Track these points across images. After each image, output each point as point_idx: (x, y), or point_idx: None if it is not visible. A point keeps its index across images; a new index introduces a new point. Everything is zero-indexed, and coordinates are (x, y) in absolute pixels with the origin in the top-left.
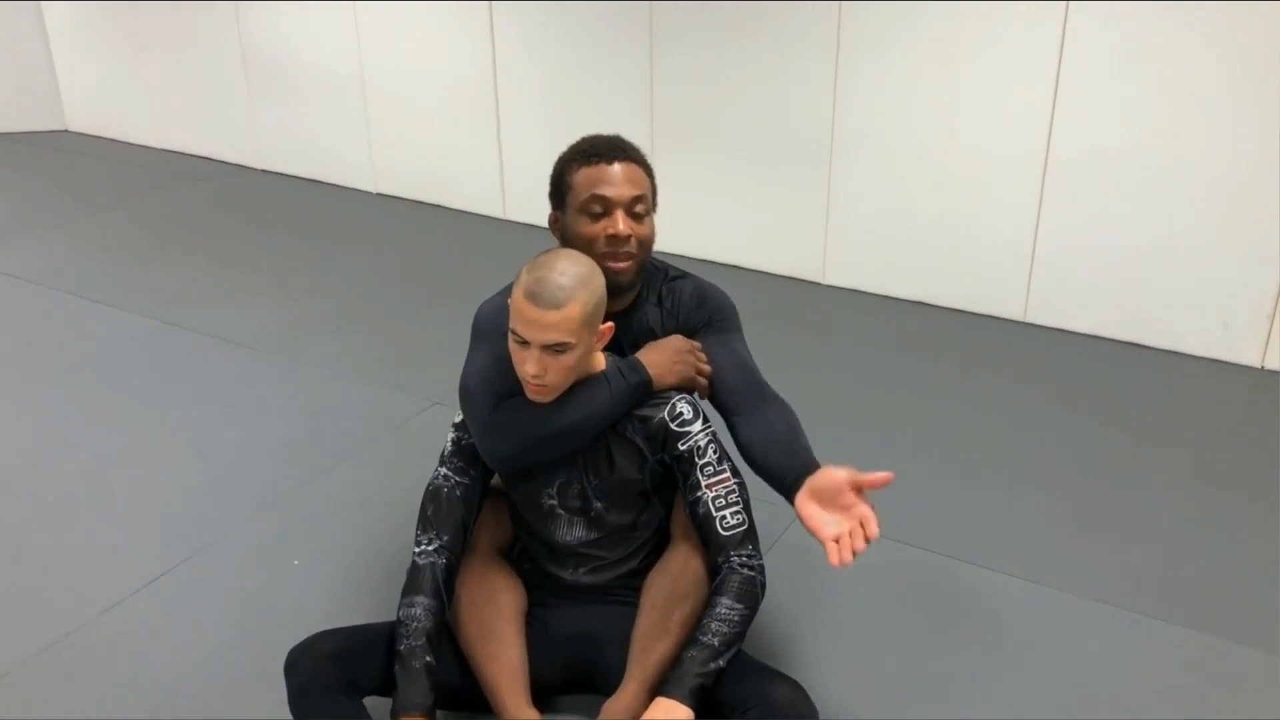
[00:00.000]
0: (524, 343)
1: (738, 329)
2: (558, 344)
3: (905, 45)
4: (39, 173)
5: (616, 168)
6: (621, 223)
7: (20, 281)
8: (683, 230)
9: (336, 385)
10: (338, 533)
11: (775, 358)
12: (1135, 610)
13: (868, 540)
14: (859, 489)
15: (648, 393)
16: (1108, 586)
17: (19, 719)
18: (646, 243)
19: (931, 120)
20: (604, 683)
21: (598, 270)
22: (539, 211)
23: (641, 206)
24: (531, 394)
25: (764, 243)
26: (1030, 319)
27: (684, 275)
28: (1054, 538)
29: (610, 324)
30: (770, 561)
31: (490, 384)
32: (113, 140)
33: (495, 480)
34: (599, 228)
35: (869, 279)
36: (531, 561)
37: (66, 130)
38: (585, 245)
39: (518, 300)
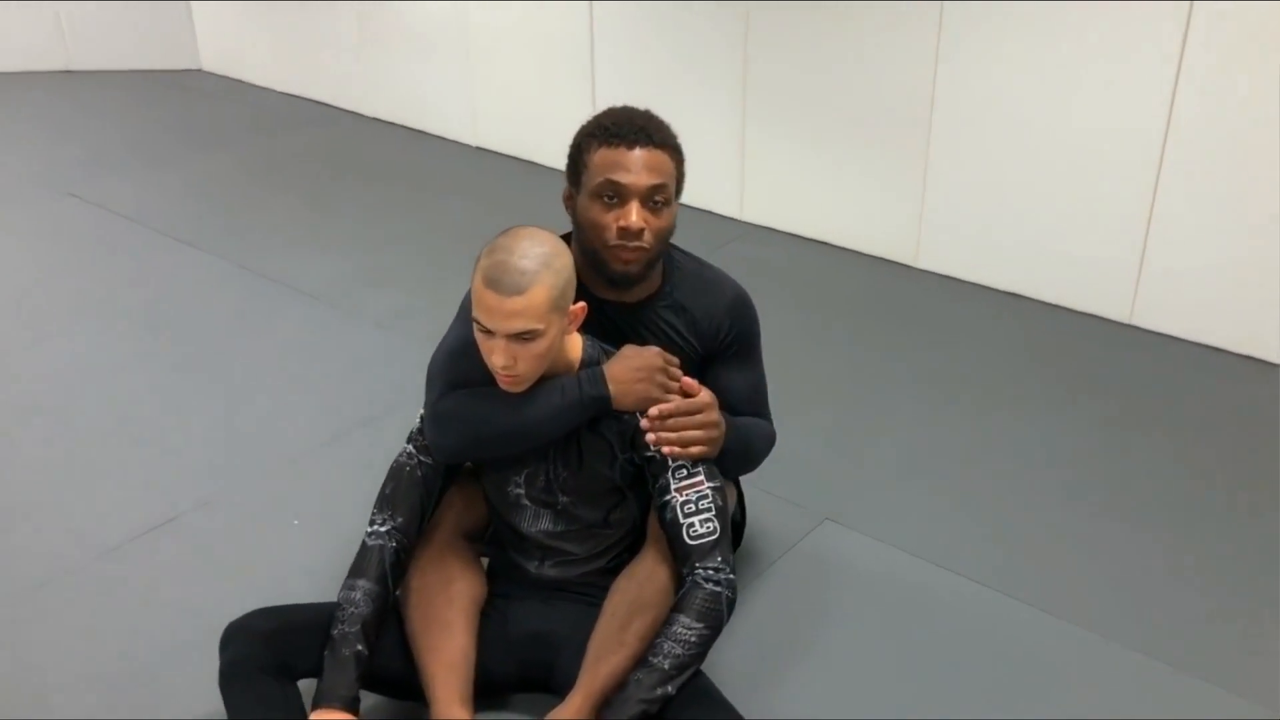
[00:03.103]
0: (489, 333)
1: (758, 346)
2: (524, 332)
3: (1014, 17)
4: (163, 110)
5: (638, 153)
6: (635, 214)
7: (115, 216)
8: (772, 203)
9: (386, 342)
10: (345, 496)
11: (857, 342)
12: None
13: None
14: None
15: (604, 409)
16: (1163, 639)
17: None
18: (663, 235)
19: (1040, 99)
20: (559, 686)
21: (563, 249)
22: None
23: (661, 196)
24: (503, 385)
25: (856, 221)
26: (1136, 322)
27: (705, 271)
28: (1116, 578)
29: (582, 304)
30: (778, 570)
31: (448, 370)
32: (239, 81)
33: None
34: (611, 216)
35: (964, 266)
36: (501, 549)
37: (200, 69)
38: (596, 232)
39: (477, 288)
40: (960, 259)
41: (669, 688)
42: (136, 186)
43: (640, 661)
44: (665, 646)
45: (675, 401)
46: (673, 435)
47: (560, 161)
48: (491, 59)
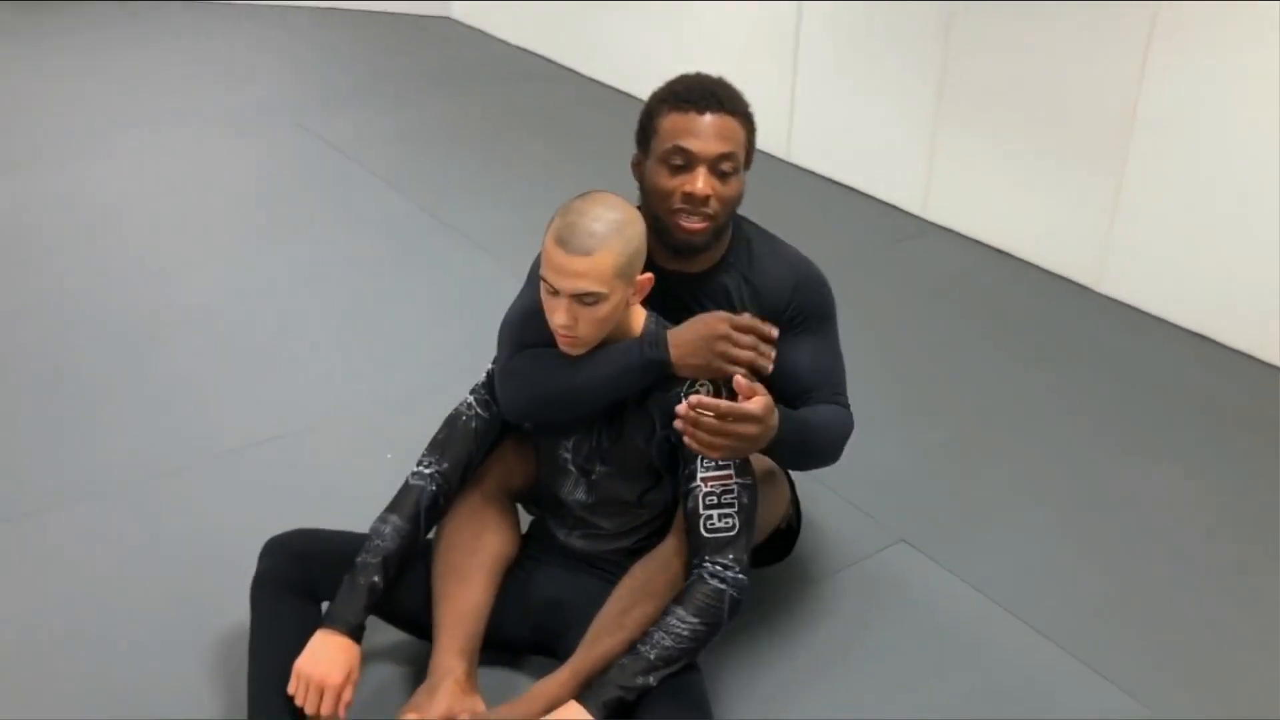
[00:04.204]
0: (554, 292)
1: (831, 320)
2: (587, 294)
3: (1237, 20)
4: (403, 54)
5: (708, 119)
6: (702, 181)
7: (328, 148)
8: (958, 205)
9: None
10: None
11: (1005, 362)
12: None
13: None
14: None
15: (664, 373)
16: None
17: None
18: (729, 203)
19: (1260, 121)
20: (564, 656)
21: (636, 217)
22: (822, 159)
23: (729, 165)
24: (562, 345)
25: (1040, 234)
26: None
27: (775, 244)
28: (1219, 666)
29: (649, 275)
30: (833, 585)
31: (518, 330)
32: (481, 32)
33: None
34: (677, 182)
35: (1151, 297)
36: (541, 512)
37: (449, 18)
38: (661, 199)
39: (548, 246)
40: (1147, 289)
41: (650, 678)
42: (355, 123)
43: (629, 648)
44: (655, 636)
45: (724, 405)
46: (703, 436)
47: (760, 139)
48: (704, 39)
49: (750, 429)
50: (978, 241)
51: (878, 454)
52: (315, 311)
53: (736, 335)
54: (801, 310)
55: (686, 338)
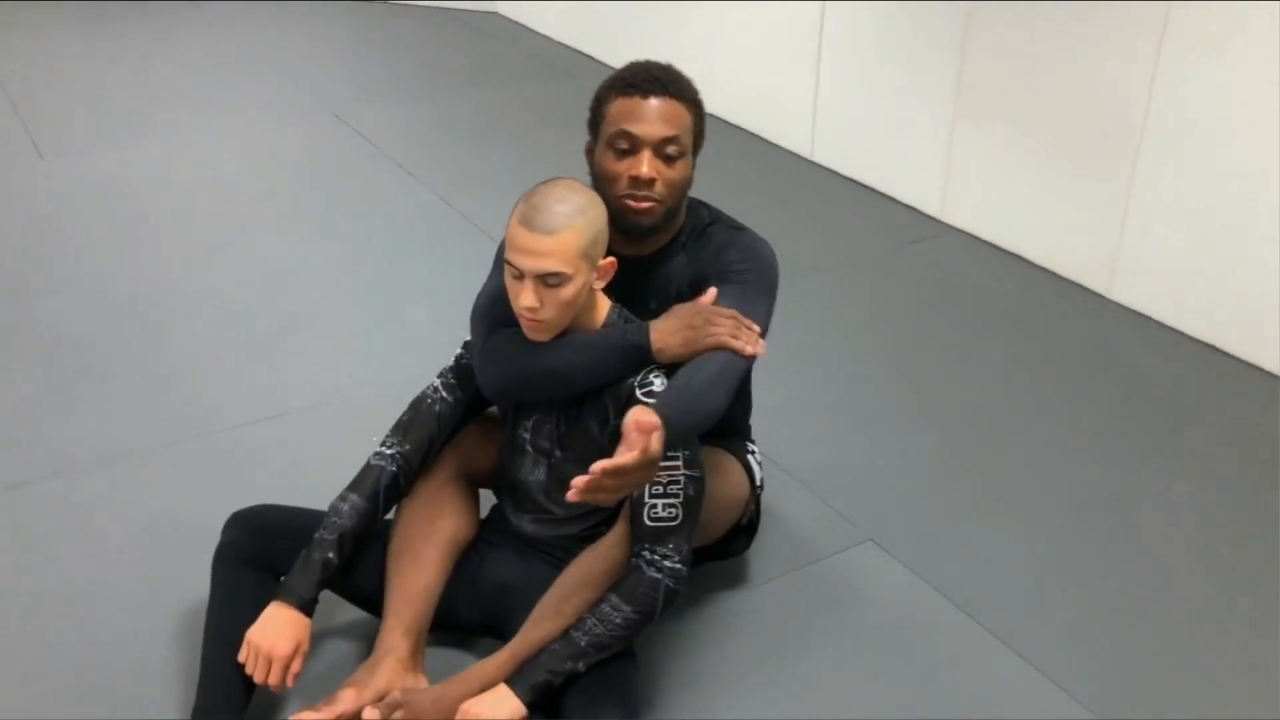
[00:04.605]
0: (519, 276)
1: (757, 287)
2: (552, 274)
3: (1250, 23)
4: (447, 47)
5: (653, 103)
6: (646, 164)
7: (360, 138)
8: (974, 208)
9: None
10: None
11: (1012, 368)
12: None
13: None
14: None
15: (644, 357)
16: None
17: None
18: (676, 187)
19: (1273, 126)
20: (511, 639)
21: (598, 201)
22: (844, 159)
23: (674, 148)
24: (528, 330)
25: (1053, 239)
26: None
27: (733, 227)
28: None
29: (612, 259)
30: (791, 581)
31: (491, 311)
32: (526, 28)
33: (496, 409)
34: (624, 166)
35: (1162, 305)
36: (499, 496)
37: (496, 14)
38: (609, 182)
39: (512, 228)
40: (1157, 297)
41: (579, 664)
42: (391, 115)
43: (563, 633)
44: (589, 623)
45: (632, 461)
46: (604, 497)
47: (785, 138)
48: (732, 38)
49: (651, 471)
50: (992, 245)
51: (861, 453)
52: (326, 297)
53: (718, 314)
54: (725, 266)
55: (666, 324)
